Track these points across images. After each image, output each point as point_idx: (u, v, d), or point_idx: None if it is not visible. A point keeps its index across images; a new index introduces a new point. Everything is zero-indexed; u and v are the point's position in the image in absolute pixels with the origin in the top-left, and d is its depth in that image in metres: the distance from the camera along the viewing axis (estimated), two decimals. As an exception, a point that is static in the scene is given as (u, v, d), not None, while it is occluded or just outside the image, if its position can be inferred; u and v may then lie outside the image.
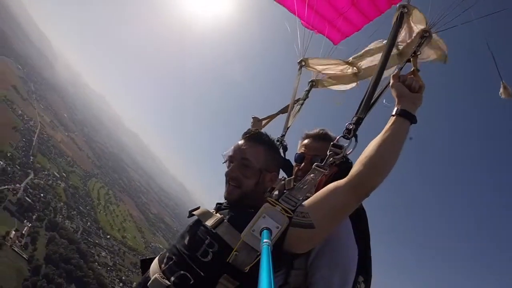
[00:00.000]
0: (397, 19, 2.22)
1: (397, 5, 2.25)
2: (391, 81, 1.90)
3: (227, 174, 1.94)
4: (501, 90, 2.22)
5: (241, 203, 1.88)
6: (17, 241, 77.66)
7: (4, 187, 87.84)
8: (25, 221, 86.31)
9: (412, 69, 2.04)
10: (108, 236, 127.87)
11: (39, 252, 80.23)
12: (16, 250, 75.19)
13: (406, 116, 1.72)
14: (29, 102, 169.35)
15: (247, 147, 1.95)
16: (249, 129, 2.08)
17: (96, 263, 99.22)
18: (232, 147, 2.00)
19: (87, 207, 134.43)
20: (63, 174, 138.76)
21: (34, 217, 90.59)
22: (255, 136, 1.99)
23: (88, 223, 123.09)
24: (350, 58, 2.99)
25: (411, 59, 2.14)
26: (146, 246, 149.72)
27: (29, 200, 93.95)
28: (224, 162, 2.00)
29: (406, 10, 2.21)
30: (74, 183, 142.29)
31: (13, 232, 78.05)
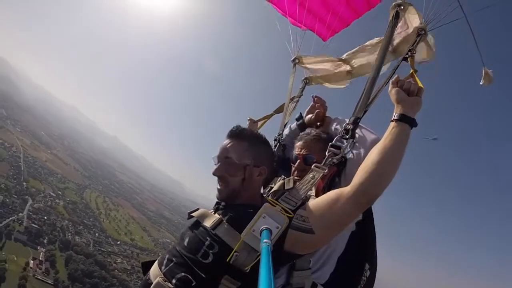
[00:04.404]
0: (392, 17, 2.18)
1: (392, 4, 2.21)
2: (390, 87, 1.85)
3: (213, 174, 1.90)
4: (482, 76, 2.19)
5: (232, 201, 1.85)
6: (37, 269, 78.26)
7: (9, 219, 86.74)
8: (38, 247, 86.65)
9: (410, 72, 1.98)
10: (118, 242, 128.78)
11: (62, 274, 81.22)
12: (40, 278, 76.00)
13: (405, 120, 1.69)
14: (6, 128, 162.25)
15: (229, 145, 1.91)
16: (233, 126, 1.99)
17: (116, 270, 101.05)
18: (218, 148, 1.96)
19: (91, 219, 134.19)
20: (59, 192, 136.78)
21: (45, 241, 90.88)
22: (236, 133, 1.94)
23: (96, 234, 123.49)
24: (344, 55, 2.95)
25: (408, 59, 2.08)
26: (155, 243, 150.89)
27: (36, 226, 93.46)
28: (215, 164, 1.95)
29: (402, 8, 2.18)
30: (72, 198, 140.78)
31: (31, 261, 78.49)
